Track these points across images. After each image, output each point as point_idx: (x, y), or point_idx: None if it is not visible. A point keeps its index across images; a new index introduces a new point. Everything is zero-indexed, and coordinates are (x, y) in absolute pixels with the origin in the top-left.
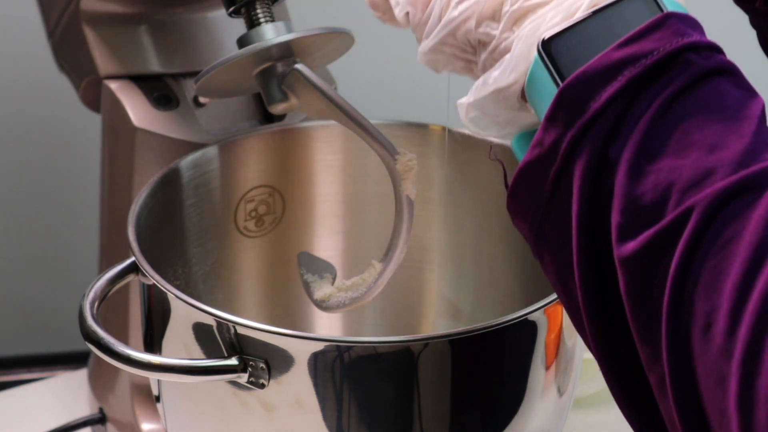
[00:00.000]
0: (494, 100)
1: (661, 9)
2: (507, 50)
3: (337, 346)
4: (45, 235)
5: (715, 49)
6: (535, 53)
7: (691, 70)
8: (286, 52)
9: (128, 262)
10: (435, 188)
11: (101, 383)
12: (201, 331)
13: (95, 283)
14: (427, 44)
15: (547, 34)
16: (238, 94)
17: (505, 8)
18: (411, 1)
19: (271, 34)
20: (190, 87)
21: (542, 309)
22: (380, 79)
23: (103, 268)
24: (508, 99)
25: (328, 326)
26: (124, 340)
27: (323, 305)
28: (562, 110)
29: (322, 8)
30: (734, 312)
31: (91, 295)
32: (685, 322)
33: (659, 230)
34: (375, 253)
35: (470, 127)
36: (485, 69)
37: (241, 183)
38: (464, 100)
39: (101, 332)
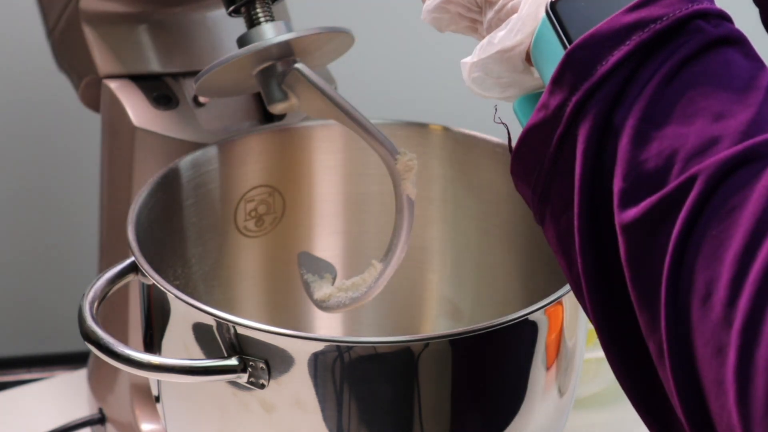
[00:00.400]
0: (498, 60)
1: None
2: (514, 10)
3: (338, 346)
4: (44, 234)
5: (725, 18)
6: (542, 14)
7: (700, 38)
8: (286, 51)
9: (128, 262)
10: (435, 188)
11: (101, 383)
12: (201, 331)
13: (95, 283)
14: (431, 2)
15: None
16: (238, 93)
17: None
18: None
19: (271, 33)
20: (189, 86)
21: (543, 309)
22: (380, 79)
23: (102, 268)
24: (512, 60)
25: (328, 326)
26: (124, 341)
27: (323, 305)
28: (569, 73)
29: (322, 8)
30: (735, 282)
31: (91, 295)
32: (684, 291)
33: (662, 197)
34: (375, 253)
35: (472, 88)
36: (491, 29)
37: (241, 183)
38: (468, 60)
39: (101, 332)
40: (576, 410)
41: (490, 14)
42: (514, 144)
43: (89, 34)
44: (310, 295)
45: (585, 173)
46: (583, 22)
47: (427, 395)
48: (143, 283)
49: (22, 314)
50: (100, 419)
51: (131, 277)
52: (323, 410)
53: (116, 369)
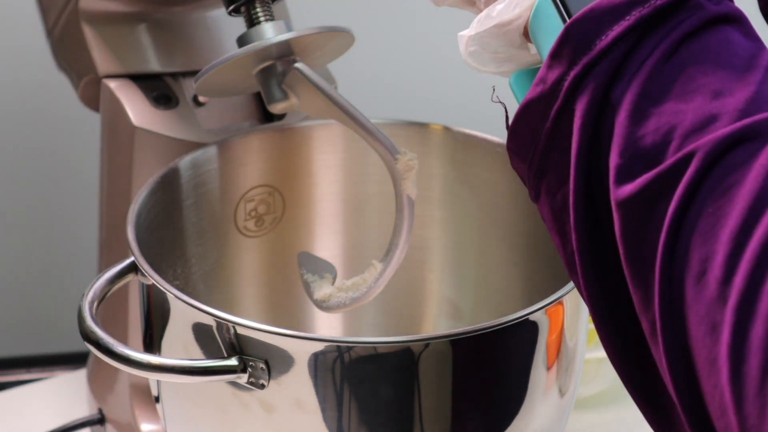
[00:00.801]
0: (496, 34)
1: None
2: None
3: (338, 347)
4: (44, 234)
5: None
6: None
7: (700, 15)
8: (286, 51)
9: (127, 262)
10: (435, 188)
11: (100, 384)
12: (200, 332)
13: (94, 283)
14: None
15: None
16: (238, 93)
17: None
18: None
19: (270, 32)
20: (189, 86)
21: (543, 309)
22: (380, 79)
23: (102, 268)
24: (510, 34)
25: (328, 326)
26: (124, 341)
27: (323, 305)
28: (567, 47)
29: (322, 7)
30: (731, 260)
31: (90, 295)
32: (679, 268)
33: (658, 173)
34: (375, 252)
35: (469, 62)
36: (489, 2)
37: (241, 182)
38: (465, 33)
39: (100, 332)
40: (577, 410)
41: None
42: (511, 122)
43: (89, 34)
44: (310, 295)
45: (582, 148)
46: None
47: (428, 395)
48: (143, 283)
49: (22, 314)
50: (100, 419)
51: (131, 277)
52: (323, 410)
53: (116, 369)
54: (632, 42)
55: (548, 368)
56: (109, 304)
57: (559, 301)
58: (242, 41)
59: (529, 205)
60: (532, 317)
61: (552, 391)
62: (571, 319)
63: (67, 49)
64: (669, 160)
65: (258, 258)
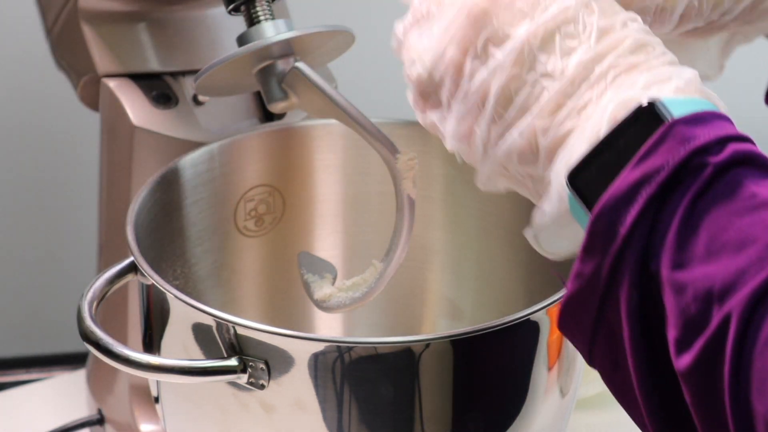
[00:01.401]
0: (555, 226)
1: (666, 118)
2: (550, 183)
3: (338, 347)
4: (43, 234)
5: (727, 140)
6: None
7: (704, 174)
8: (286, 50)
9: (127, 262)
10: (436, 187)
11: (100, 384)
12: (200, 332)
13: (94, 283)
14: (480, 178)
15: (572, 167)
16: (238, 92)
17: (540, 142)
18: (456, 138)
19: (270, 32)
20: (189, 85)
21: (544, 309)
22: (381, 78)
23: (101, 268)
24: (565, 223)
25: (329, 326)
26: (123, 341)
27: (323, 305)
28: (596, 239)
29: (322, 6)
30: None
31: (90, 295)
32: (748, 427)
33: (707, 340)
34: (376, 252)
35: (546, 252)
36: (540, 196)
37: (241, 182)
38: (530, 233)
39: (100, 332)
40: (578, 411)
41: (534, 185)
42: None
43: (88, 33)
44: (310, 295)
45: (634, 331)
46: (598, 188)
47: (428, 396)
48: (142, 283)
49: (21, 314)
50: (99, 420)
51: (130, 277)
52: (323, 411)
53: (115, 369)
54: (651, 218)
55: (549, 368)
56: (109, 305)
57: (560, 301)
58: (242, 40)
59: (530, 205)
60: (533, 317)
61: (553, 392)
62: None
63: (67, 48)
64: (712, 325)
65: (258, 258)
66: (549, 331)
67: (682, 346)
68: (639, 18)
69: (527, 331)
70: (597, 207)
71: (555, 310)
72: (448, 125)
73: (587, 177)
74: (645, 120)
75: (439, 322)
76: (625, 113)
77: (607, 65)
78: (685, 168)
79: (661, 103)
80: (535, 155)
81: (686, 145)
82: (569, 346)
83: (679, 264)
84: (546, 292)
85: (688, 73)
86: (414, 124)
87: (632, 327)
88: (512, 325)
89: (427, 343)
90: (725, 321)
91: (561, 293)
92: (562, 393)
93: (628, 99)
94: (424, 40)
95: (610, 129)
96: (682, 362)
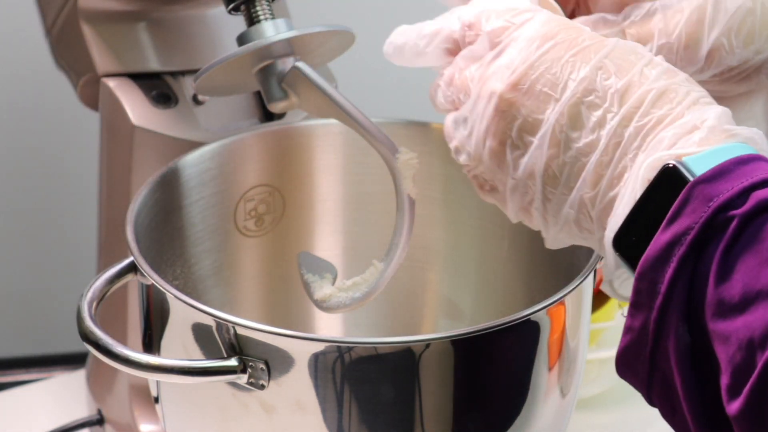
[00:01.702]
0: (619, 277)
1: (688, 179)
2: (604, 247)
3: (338, 347)
4: (43, 234)
5: (750, 189)
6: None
7: (730, 228)
8: (286, 49)
9: (127, 261)
10: (436, 187)
11: (99, 384)
12: (200, 332)
13: (93, 283)
14: (546, 242)
15: (615, 234)
16: (238, 92)
17: (591, 212)
18: (517, 216)
19: (271, 31)
20: (189, 85)
21: (545, 309)
22: (381, 77)
23: (101, 268)
24: (627, 276)
25: (329, 326)
26: (123, 341)
27: (323, 305)
28: (641, 296)
29: (323, 6)
30: None
31: (89, 295)
32: None
33: (753, 385)
34: (376, 252)
35: (623, 297)
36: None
37: (241, 182)
38: (606, 285)
39: (99, 333)
40: (578, 411)
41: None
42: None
43: (88, 32)
44: (311, 295)
45: (686, 381)
46: (638, 251)
47: (429, 396)
48: (142, 283)
49: (20, 315)
50: (99, 420)
51: (130, 277)
52: (324, 411)
53: (115, 370)
54: (689, 274)
55: (550, 369)
56: (109, 305)
57: (560, 301)
58: (242, 40)
59: None
60: (533, 317)
61: (553, 392)
62: (572, 320)
63: (66, 47)
64: (756, 372)
65: (258, 258)
66: (549, 331)
67: (733, 392)
68: (657, 58)
69: (528, 331)
70: (638, 268)
71: (555, 309)
72: (507, 207)
73: (627, 242)
74: (670, 182)
75: (439, 322)
76: (654, 176)
77: (634, 128)
78: (711, 226)
79: (682, 164)
80: (591, 222)
81: (710, 204)
82: (570, 347)
83: (720, 315)
84: (546, 292)
85: (712, 119)
86: (414, 124)
87: (683, 376)
88: (513, 325)
89: (427, 344)
90: (766, 367)
91: (562, 293)
92: (563, 393)
93: (656, 160)
94: (462, 131)
95: (642, 194)
96: (732, 408)
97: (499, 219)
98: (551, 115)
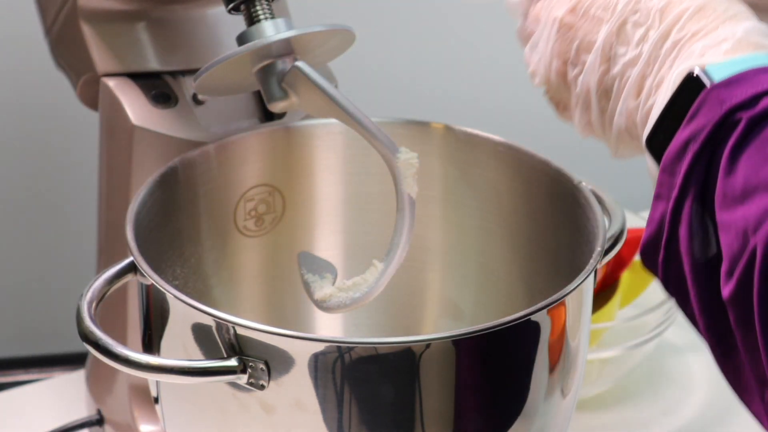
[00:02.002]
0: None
1: (706, 84)
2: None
3: (338, 347)
4: (42, 234)
5: (761, 95)
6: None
7: (740, 127)
8: (286, 49)
9: (126, 261)
10: (436, 187)
11: (99, 384)
12: (200, 332)
13: (93, 283)
14: (612, 153)
15: (647, 134)
16: (238, 91)
17: (636, 119)
18: (583, 130)
19: (270, 31)
20: (189, 85)
21: (545, 309)
22: (381, 77)
23: (101, 268)
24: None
25: (329, 326)
26: (122, 341)
27: (324, 305)
28: (662, 189)
29: (323, 5)
30: None
31: (89, 295)
32: None
33: (741, 270)
34: (376, 252)
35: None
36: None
37: (241, 182)
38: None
39: (99, 333)
40: (579, 411)
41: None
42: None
43: (87, 32)
44: (311, 295)
45: (692, 266)
46: (663, 149)
47: (429, 396)
48: (142, 283)
49: (20, 315)
50: (99, 420)
51: (130, 277)
52: (324, 411)
53: (115, 370)
54: (703, 170)
55: (550, 369)
56: (108, 305)
57: (561, 302)
58: (242, 39)
59: (530, 204)
60: (533, 317)
61: (554, 392)
62: (573, 320)
63: (66, 47)
64: (744, 258)
65: (258, 258)
66: (550, 332)
67: (727, 277)
68: None
69: (528, 331)
70: (662, 162)
71: (556, 310)
72: (575, 121)
73: (657, 142)
74: (692, 87)
75: (439, 322)
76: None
77: (671, 42)
78: (723, 126)
79: (704, 71)
80: (638, 129)
81: (723, 106)
82: (570, 347)
83: (725, 206)
84: (547, 292)
85: (741, 32)
86: (414, 124)
87: (690, 261)
88: (513, 326)
89: (427, 344)
90: (753, 253)
91: (562, 293)
92: (563, 394)
93: (685, 69)
94: (535, 55)
95: (669, 98)
96: (725, 292)
97: (499, 218)
98: (602, 35)
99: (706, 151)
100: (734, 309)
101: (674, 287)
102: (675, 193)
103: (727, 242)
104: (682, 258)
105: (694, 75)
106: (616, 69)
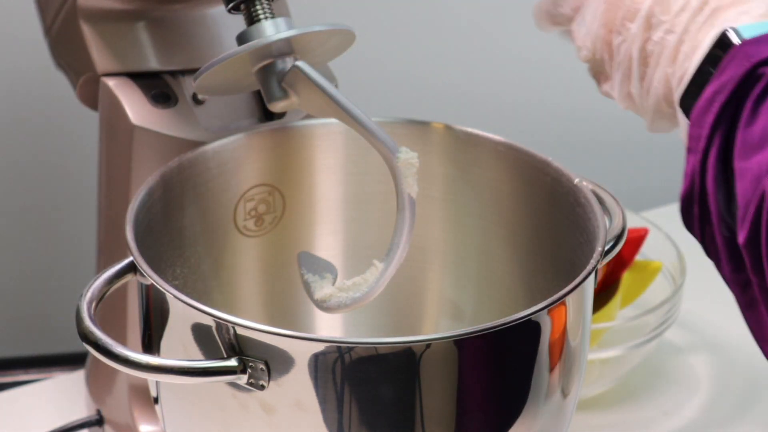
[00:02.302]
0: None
1: (736, 42)
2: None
3: (338, 347)
4: (42, 234)
5: None
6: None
7: (764, 81)
8: (286, 49)
9: (126, 261)
10: (437, 187)
11: (99, 385)
12: (200, 332)
13: (93, 283)
14: (648, 126)
15: (680, 93)
16: (238, 91)
17: (672, 84)
18: (623, 100)
19: (270, 30)
20: (189, 84)
21: (546, 309)
22: (381, 77)
23: (101, 268)
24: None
25: (329, 327)
26: (122, 341)
27: (324, 305)
28: (692, 142)
29: (323, 4)
30: None
31: (89, 295)
32: None
33: (753, 215)
34: (376, 252)
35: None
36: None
37: (241, 182)
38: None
39: (99, 333)
40: (579, 411)
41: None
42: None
43: (87, 32)
44: (311, 295)
45: (718, 218)
46: (692, 104)
47: (429, 396)
48: (142, 283)
49: (19, 315)
50: (98, 421)
51: (129, 277)
52: (324, 411)
53: (114, 370)
54: (729, 121)
55: (551, 369)
56: (108, 305)
57: (561, 302)
58: (242, 39)
59: (530, 204)
60: (534, 318)
61: (555, 392)
62: (573, 320)
63: (65, 47)
64: (754, 202)
65: (258, 258)
66: (550, 332)
67: (741, 223)
68: None
69: (528, 331)
70: (691, 115)
71: (556, 310)
72: (615, 92)
73: (688, 100)
74: (722, 46)
75: (439, 322)
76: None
77: (709, 10)
78: (749, 79)
79: (736, 30)
80: (673, 95)
81: (750, 60)
82: (571, 347)
83: (743, 155)
84: (547, 292)
85: None
86: (414, 124)
87: (716, 211)
88: (513, 326)
89: (427, 344)
90: (762, 197)
91: (563, 293)
92: (564, 394)
93: (718, 33)
94: (582, 29)
95: (702, 58)
96: (741, 237)
97: (500, 218)
98: (646, 3)
99: (731, 103)
100: (749, 254)
101: (707, 241)
102: (702, 144)
103: (742, 189)
104: (710, 208)
105: (726, 34)
106: (657, 35)
